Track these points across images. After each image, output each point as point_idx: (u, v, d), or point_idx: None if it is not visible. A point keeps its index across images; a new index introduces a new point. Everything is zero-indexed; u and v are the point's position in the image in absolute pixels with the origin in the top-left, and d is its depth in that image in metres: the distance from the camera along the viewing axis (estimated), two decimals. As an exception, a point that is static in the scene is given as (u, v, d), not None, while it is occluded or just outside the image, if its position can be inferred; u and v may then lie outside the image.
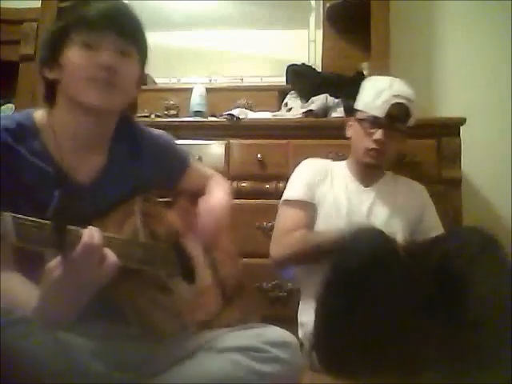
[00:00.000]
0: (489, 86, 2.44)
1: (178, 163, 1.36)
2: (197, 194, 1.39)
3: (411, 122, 1.75)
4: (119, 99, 1.16)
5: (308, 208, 1.74)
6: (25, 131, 1.12)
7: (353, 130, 1.81)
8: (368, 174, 1.81)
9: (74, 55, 1.11)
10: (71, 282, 0.93)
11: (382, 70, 2.29)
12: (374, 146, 1.73)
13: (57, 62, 1.13)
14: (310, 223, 1.73)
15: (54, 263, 0.93)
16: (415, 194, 1.84)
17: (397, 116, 1.71)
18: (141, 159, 1.25)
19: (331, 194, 1.76)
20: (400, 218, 1.75)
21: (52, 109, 1.17)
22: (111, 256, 0.97)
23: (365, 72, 2.35)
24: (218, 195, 1.35)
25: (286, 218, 1.74)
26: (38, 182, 1.09)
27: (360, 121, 1.76)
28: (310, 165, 1.84)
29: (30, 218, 0.88)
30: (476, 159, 2.38)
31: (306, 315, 1.65)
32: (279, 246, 1.70)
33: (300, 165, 1.85)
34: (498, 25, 2.52)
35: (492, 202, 2.52)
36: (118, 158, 1.21)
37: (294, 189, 1.78)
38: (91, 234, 0.95)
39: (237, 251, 1.43)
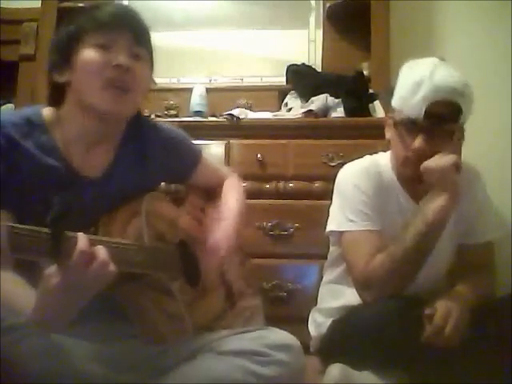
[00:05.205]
0: (489, 86, 2.44)
1: (189, 159, 1.36)
2: (208, 189, 1.39)
3: (464, 118, 1.36)
4: (133, 104, 1.16)
5: (378, 235, 1.41)
6: (33, 127, 1.11)
7: (391, 132, 1.45)
8: (416, 187, 1.43)
9: (88, 55, 1.10)
10: (68, 289, 0.93)
11: (382, 70, 2.30)
12: (412, 155, 1.37)
13: (68, 64, 1.12)
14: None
15: (52, 270, 0.92)
16: (471, 195, 1.49)
17: (441, 115, 1.33)
18: (150, 156, 1.24)
19: (385, 216, 1.43)
20: (453, 242, 1.49)
21: (58, 110, 1.16)
22: (108, 263, 0.94)
23: (365, 72, 2.35)
24: (228, 222, 1.30)
25: (360, 245, 1.40)
26: (46, 177, 1.09)
27: (396, 123, 1.41)
28: (362, 179, 1.45)
29: (26, 226, 0.85)
30: (475, 159, 2.37)
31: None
32: (368, 265, 1.35)
33: (348, 176, 1.49)
34: (499, 26, 2.51)
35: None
36: (127, 155, 1.21)
37: (357, 217, 1.41)
38: (86, 241, 0.92)
39: (245, 254, 1.42)
